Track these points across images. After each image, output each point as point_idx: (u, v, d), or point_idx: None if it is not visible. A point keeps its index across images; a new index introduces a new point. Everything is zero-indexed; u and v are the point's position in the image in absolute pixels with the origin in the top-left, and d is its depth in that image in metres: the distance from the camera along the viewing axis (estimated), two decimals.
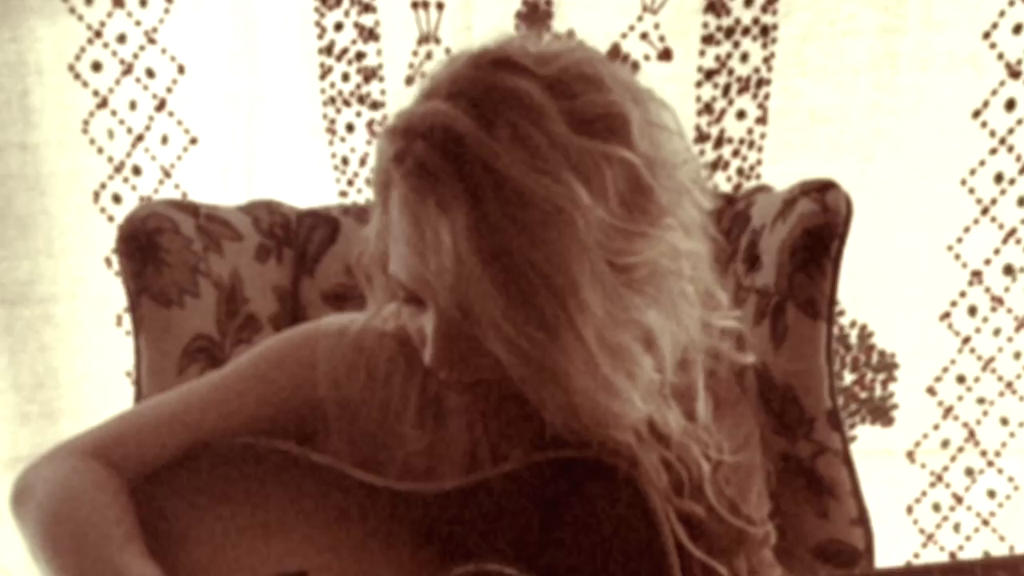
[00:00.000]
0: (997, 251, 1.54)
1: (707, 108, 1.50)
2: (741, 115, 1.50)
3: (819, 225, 1.05)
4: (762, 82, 1.48)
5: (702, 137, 1.51)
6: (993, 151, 1.51)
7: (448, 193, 0.72)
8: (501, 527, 0.83)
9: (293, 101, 1.63)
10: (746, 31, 1.47)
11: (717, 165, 1.53)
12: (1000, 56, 1.47)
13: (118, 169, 1.71)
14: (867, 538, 1.06)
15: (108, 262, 1.65)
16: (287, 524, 0.88)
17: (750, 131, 1.51)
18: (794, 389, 1.07)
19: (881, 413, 1.59)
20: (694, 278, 0.82)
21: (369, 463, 0.91)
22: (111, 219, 1.65)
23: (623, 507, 0.82)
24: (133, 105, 1.69)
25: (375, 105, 1.58)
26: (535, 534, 0.82)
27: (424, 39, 1.53)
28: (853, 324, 1.57)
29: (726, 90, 1.49)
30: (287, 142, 1.65)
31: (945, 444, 1.60)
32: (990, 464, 1.61)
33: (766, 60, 1.48)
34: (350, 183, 1.64)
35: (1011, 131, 1.50)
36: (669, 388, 0.83)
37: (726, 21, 1.47)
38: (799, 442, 1.07)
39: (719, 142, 1.52)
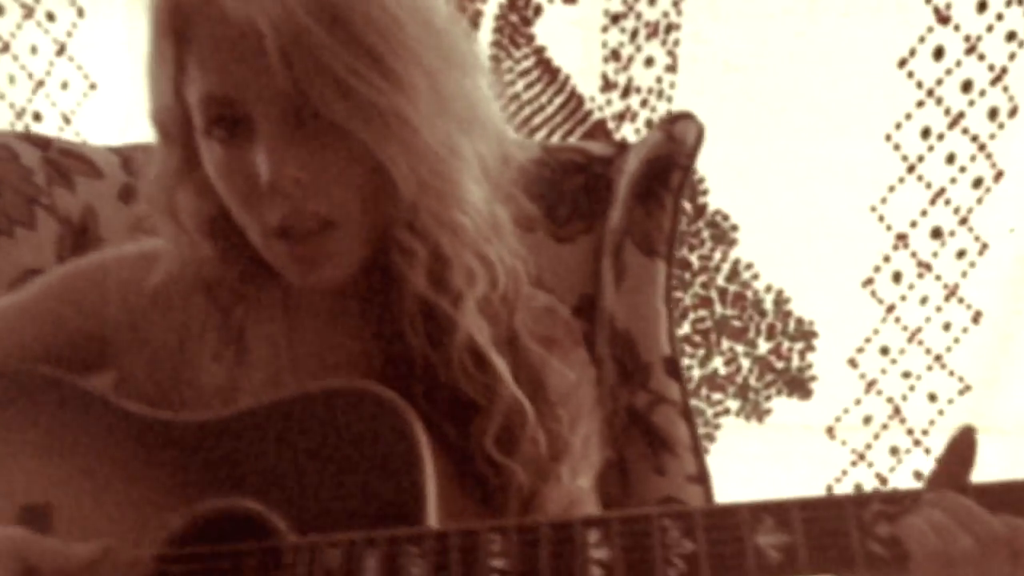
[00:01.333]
0: (924, 212, 1.44)
1: (614, 55, 1.42)
2: (649, 62, 1.41)
3: (661, 155, 0.99)
4: (671, 27, 1.39)
5: (608, 86, 1.42)
6: (920, 104, 1.40)
7: None
8: (258, 460, 0.77)
9: None
10: None
11: (624, 116, 1.44)
12: (927, 0, 1.37)
13: (19, 115, 1.66)
14: (706, 496, 0.97)
15: None
16: (41, 453, 0.83)
17: (659, 79, 1.42)
18: (631, 333, 0.99)
19: (799, 385, 1.49)
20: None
21: (166, 397, 0.87)
22: None
23: (386, 441, 0.75)
24: (34, 50, 1.64)
25: None
26: (294, 468, 0.76)
27: None
28: (769, 289, 1.47)
29: (633, 35, 1.40)
30: None
31: (868, 420, 1.50)
32: (917, 443, 1.50)
33: (675, 3, 1.39)
34: None
35: (939, 82, 1.40)
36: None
37: None
38: (637, 392, 0.99)
39: (626, 91, 1.43)
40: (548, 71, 1.42)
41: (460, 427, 0.81)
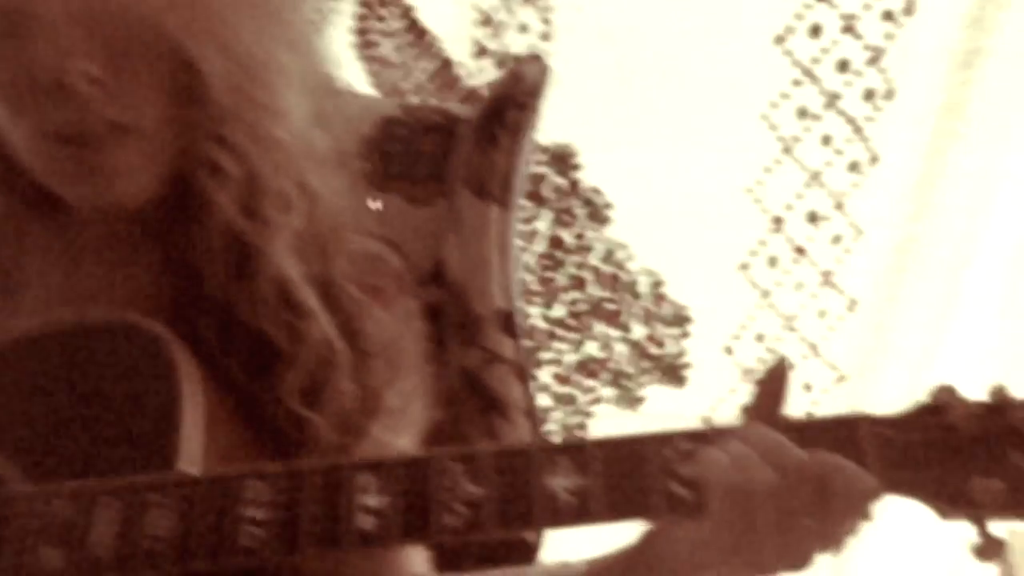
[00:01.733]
0: (800, 196, 1.40)
1: (486, 20, 1.35)
2: (523, 29, 1.35)
3: (499, 95, 0.92)
4: None
5: (481, 52, 1.36)
6: (797, 83, 1.37)
7: None
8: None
9: None
10: None
11: None
12: None
13: None
14: None
15: None
16: None
17: (533, 48, 1.36)
18: (463, 285, 0.92)
19: (673, 372, 1.44)
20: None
21: None
22: None
23: (142, 379, 0.66)
24: None
25: None
26: (30, 410, 0.66)
27: None
28: (643, 271, 1.42)
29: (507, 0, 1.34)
30: None
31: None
32: None
33: None
34: None
35: (816, 61, 1.37)
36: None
37: None
38: (469, 349, 0.92)
39: (501, 60, 1.37)
40: (417, 33, 1.34)
41: (257, 374, 0.73)
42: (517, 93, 0.91)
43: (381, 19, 1.34)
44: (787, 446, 0.60)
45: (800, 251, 1.41)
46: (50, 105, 0.66)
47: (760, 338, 1.43)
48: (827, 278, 1.42)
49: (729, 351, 1.43)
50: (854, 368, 1.44)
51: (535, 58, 0.94)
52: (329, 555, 0.76)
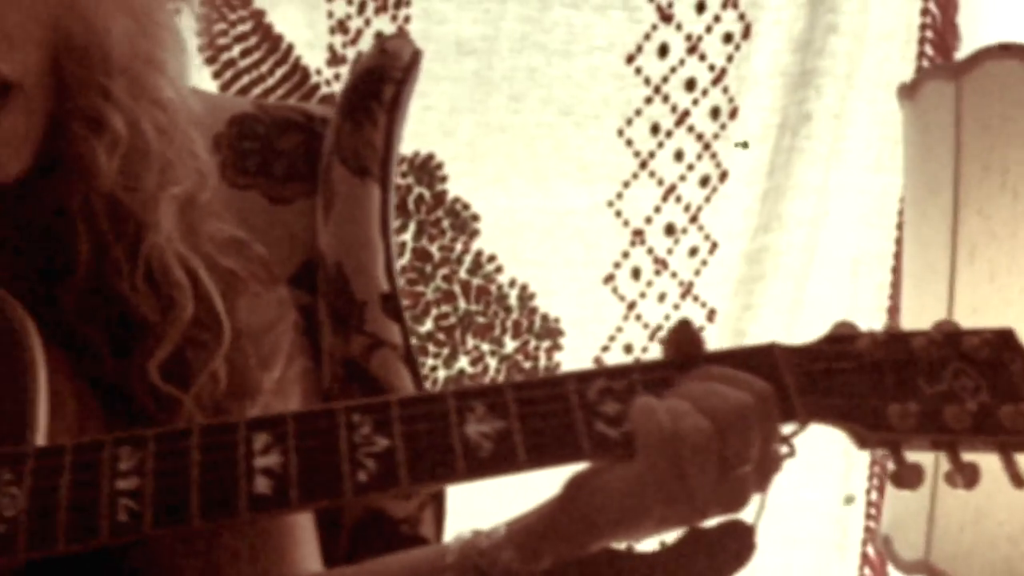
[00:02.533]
0: (658, 209, 1.45)
1: (341, 26, 1.34)
2: (380, 35, 1.34)
3: (372, 67, 0.92)
4: (401, 2, 1.34)
5: (336, 59, 1.34)
6: (648, 100, 1.43)
7: None
8: None
9: None
10: None
11: None
12: None
13: None
14: None
15: None
16: None
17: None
18: (344, 269, 0.89)
19: None
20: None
21: None
22: None
23: None
24: None
25: None
26: None
27: None
28: (513, 283, 1.41)
29: (362, 7, 1.34)
30: None
31: None
32: None
33: None
34: None
35: (665, 79, 1.43)
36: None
37: None
38: (352, 337, 0.88)
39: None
40: (268, 38, 1.31)
41: (121, 347, 0.69)
42: (392, 68, 0.91)
43: (231, 23, 1.30)
44: (719, 392, 0.60)
45: (661, 263, 1.44)
46: None
47: (628, 348, 1.44)
48: (687, 289, 1.46)
49: (599, 363, 1.43)
50: None
51: (401, 35, 0.94)
52: (213, 545, 0.69)
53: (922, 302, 1.15)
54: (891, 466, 0.65)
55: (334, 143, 0.93)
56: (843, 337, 0.67)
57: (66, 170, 0.68)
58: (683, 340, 0.64)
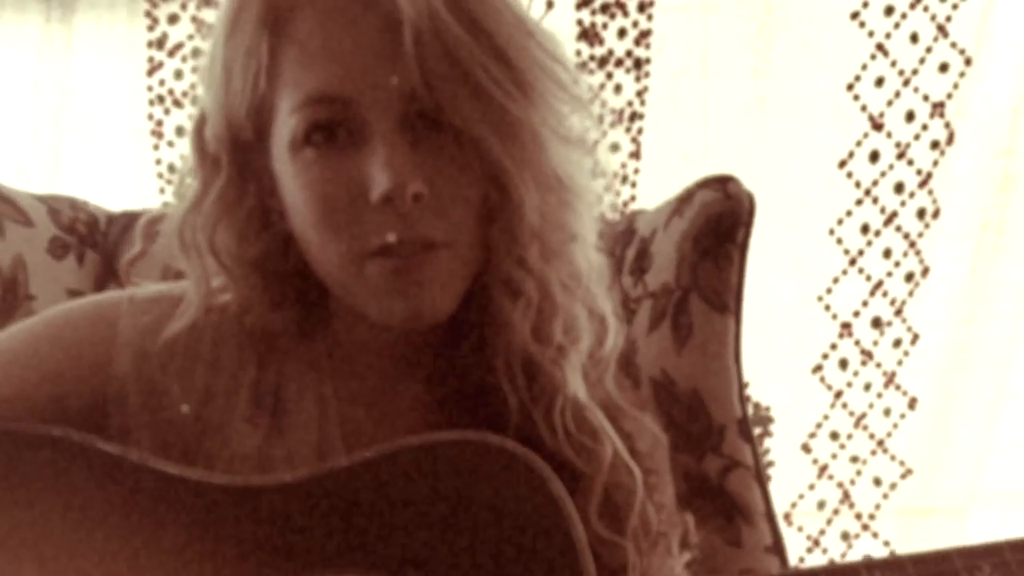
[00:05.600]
0: (865, 303, 1.54)
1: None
2: (615, 148, 1.48)
3: (723, 212, 0.98)
4: (635, 116, 1.47)
5: None
6: (859, 202, 1.53)
7: None
8: (361, 524, 0.68)
9: (112, 98, 1.51)
10: (619, 63, 1.46)
11: None
12: (863, 108, 1.51)
13: None
14: (783, 567, 0.94)
15: None
16: (87, 537, 0.69)
17: (624, 165, 1.49)
18: (700, 394, 0.97)
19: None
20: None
21: (183, 463, 0.74)
22: None
23: (520, 494, 0.67)
24: None
25: None
26: (407, 531, 0.67)
27: None
28: None
29: (599, 121, 1.46)
30: (103, 143, 1.51)
31: (821, 505, 1.54)
32: (865, 527, 1.55)
33: (639, 93, 1.48)
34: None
35: (875, 183, 1.52)
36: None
37: (599, 51, 1.46)
38: (707, 456, 0.96)
39: (592, 174, 1.48)
40: None
41: None
42: (741, 212, 0.98)
43: None
44: None
45: (867, 354, 1.54)
46: (377, 223, 0.68)
47: (834, 436, 1.53)
48: (890, 378, 1.54)
49: (807, 448, 1.53)
50: (919, 463, 1.55)
51: (734, 179, 1.01)
52: None
53: None
54: None
55: (689, 279, 0.99)
56: None
57: (489, 329, 0.73)
58: None
